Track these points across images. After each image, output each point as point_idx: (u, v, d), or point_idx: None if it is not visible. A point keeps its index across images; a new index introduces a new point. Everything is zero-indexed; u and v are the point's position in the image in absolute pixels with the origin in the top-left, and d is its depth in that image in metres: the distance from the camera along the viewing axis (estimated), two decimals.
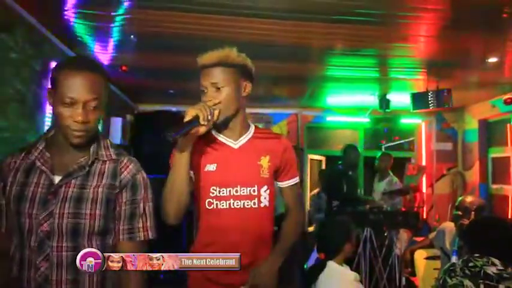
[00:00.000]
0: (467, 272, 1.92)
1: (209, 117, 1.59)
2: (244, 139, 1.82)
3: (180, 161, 1.62)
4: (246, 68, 1.80)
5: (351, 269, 4.52)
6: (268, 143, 1.85)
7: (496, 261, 1.91)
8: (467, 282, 1.88)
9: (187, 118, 1.55)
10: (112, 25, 3.61)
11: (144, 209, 1.53)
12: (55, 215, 1.43)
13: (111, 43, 4.09)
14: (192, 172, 1.73)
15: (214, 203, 1.75)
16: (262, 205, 1.79)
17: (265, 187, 1.80)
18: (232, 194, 1.75)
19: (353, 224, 2.67)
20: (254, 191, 1.77)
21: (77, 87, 1.40)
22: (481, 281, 1.86)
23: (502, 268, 1.88)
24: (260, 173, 1.80)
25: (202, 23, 3.48)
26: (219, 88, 1.71)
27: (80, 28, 3.71)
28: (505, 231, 2.05)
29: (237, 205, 1.75)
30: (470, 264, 1.94)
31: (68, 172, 1.48)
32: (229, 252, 1.67)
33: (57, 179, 1.48)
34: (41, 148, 1.52)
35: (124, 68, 4.49)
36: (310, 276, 2.43)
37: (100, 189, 1.47)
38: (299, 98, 6.40)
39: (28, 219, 1.44)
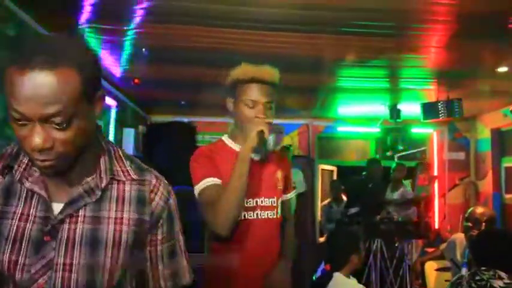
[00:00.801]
0: (473, 285, 1.92)
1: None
2: (263, 151, 1.87)
3: (243, 166, 1.67)
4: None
5: (361, 280, 4.58)
6: (278, 159, 1.93)
7: (503, 275, 1.91)
8: None
9: (253, 133, 1.68)
10: (124, 39, 3.67)
11: (183, 245, 1.15)
12: (56, 267, 0.95)
13: (124, 56, 4.18)
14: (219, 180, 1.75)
15: (243, 213, 1.76)
16: (278, 215, 1.86)
17: (280, 199, 1.89)
18: (258, 204, 1.80)
19: (361, 236, 2.67)
20: (274, 202, 1.84)
21: (27, 97, 0.85)
22: None
23: (508, 282, 1.89)
24: (277, 185, 1.88)
25: (213, 36, 3.53)
26: (271, 106, 1.78)
27: (93, 42, 3.78)
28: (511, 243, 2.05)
29: (263, 216, 1.80)
30: (477, 277, 1.94)
31: (72, 198, 0.98)
32: (258, 260, 1.77)
33: (56, 208, 0.98)
34: (26, 161, 1.01)
35: (136, 80, 4.56)
36: (316, 287, 2.44)
37: (123, 226, 1.01)
38: (310, 109, 6.42)
39: (12, 271, 0.95)
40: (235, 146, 1.84)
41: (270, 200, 1.83)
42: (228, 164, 1.75)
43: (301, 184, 5.39)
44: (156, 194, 1.08)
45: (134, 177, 1.07)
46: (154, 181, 1.09)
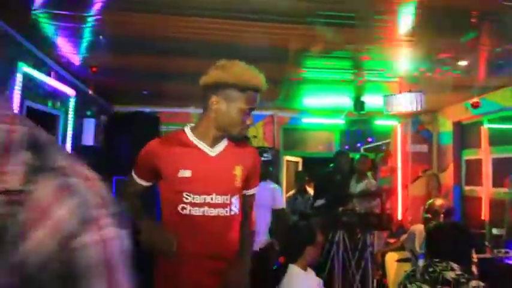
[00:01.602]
0: (426, 277, 1.92)
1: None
2: (220, 147, 1.82)
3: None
4: None
5: (324, 271, 4.59)
6: (240, 153, 1.87)
7: (455, 266, 1.91)
8: (426, 287, 1.88)
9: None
10: (83, 26, 3.53)
11: None
12: None
13: (83, 44, 4.03)
14: (164, 174, 1.76)
15: (188, 208, 1.73)
16: (232, 213, 1.80)
17: (237, 196, 1.83)
18: (207, 201, 1.74)
19: (323, 227, 2.65)
20: (227, 199, 1.78)
21: None
22: (440, 286, 1.86)
23: (460, 273, 1.89)
24: (234, 182, 1.82)
25: (176, 25, 3.45)
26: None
27: (48, 29, 3.63)
28: (464, 235, 2.06)
29: (211, 213, 1.75)
30: (430, 269, 1.94)
31: None
32: (200, 255, 1.72)
33: None
34: None
35: (94, 69, 4.41)
36: (273, 278, 2.41)
37: None
38: (275, 100, 6.38)
39: None
40: (195, 139, 1.80)
41: (223, 197, 1.77)
42: (180, 159, 1.74)
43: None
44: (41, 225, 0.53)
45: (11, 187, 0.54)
46: (49, 191, 0.55)
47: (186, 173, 1.74)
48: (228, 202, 1.78)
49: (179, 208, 1.74)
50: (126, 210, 1.70)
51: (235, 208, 1.82)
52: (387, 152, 7.22)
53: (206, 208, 1.74)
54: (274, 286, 2.39)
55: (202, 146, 1.79)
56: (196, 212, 1.74)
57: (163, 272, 1.79)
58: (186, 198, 1.73)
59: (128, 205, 1.81)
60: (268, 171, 4.62)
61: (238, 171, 1.83)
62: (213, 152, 1.79)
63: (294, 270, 2.39)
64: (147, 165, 1.80)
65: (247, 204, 1.95)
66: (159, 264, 1.81)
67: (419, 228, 3.74)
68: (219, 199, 1.76)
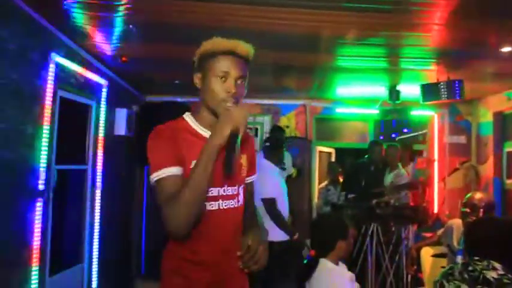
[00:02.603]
0: (465, 276, 1.80)
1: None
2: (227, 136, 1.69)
3: (210, 159, 1.50)
4: None
5: (357, 266, 4.49)
6: (244, 141, 1.76)
7: (497, 265, 1.79)
8: (465, 287, 1.76)
9: (226, 130, 1.50)
10: (114, 15, 3.53)
11: None
12: None
13: (114, 34, 4.03)
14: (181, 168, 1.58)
15: (204, 203, 1.62)
16: (239, 204, 1.74)
17: (242, 186, 1.76)
18: (220, 194, 1.66)
19: (355, 220, 2.57)
20: (235, 190, 1.71)
21: None
22: (480, 286, 1.74)
23: (503, 273, 1.76)
24: (242, 172, 1.75)
25: (207, 12, 3.39)
26: (242, 82, 1.65)
27: (81, 18, 3.64)
28: (508, 232, 1.92)
29: (225, 205, 1.67)
30: (470, 268, 1.82)
31: None
32: (217, 253, 1.65)
33: None
34: None
35: (124, 58, 4.41)
36: (302, 273, 2.34)
37: None
38: (308, 89, 6.27)
39: None
40: (200, 129, 1.68)
41: (232, 188, 1.69)
42: (190, 149, 1.60)
43: (290, 168, 5.26)
44: None
45: None
46: None
47: None
48: (236, 193, 1.71)
49: None
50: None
51: (241, 199, 1.75)
52: (424, 142, 7.00)
53: (220, 201, 1.66)
54: (304, 281, 2.32)
55: (208, 135, 1.64)
56: (213, 206, 1.65)
57: (171, 268, 1.71)
58: None
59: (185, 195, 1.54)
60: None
61: (244, 160, 1.77)
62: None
63: (325, 264, 2.31)
64: (172, 145, 1.60)
65: (250, 192, 1.87)
66: (167, 263, 1.74)
67: (457, 222, 3.59)
68: (229, 190, 1.68)
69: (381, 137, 6.72)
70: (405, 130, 6.68)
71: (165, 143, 1.58)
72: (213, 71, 1.62)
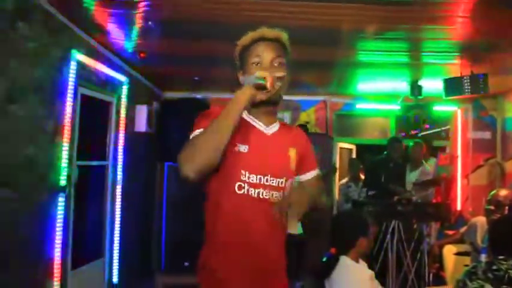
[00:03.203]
0: (489, 275, 1.75)
1: (274, 85, 1.59)
2: (275, 127, 1.73)
3: (233, 108, 1.53)
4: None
5: (377, 263, 4.43)
6: (293, 135, 1.78)
7: None
8: (488, 286, 1.72)
9: (257, 76, 1.57)
10: (133, 12, 3.54)
11: None
12: None
13: (133, 30, 4.05)
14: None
15: (246, 187, 1.61)
16: None
17: (290, 181, 1.71)
18: (262, 182, 1.63)
19: (376, 217, 2.53)
20: (282, 183, 1.67)
21: None
22: (505, 286, 1.69)
23: None
24: (289, 165, 1.72)
25: (225, 7, 3.38)
26: (281, 64, 1.67)
27: (101, 15, 3.67)
28: None
29: (266, 195, 1.63)
30: (494, 267, 1.77)
31: None
32: (253, 243, 1.62)
33: None
34: None
35: (142, 54, 4.43)
36: (322, 271, 2.30)
37: None
38: (328, 85, 6.20)
39: None
40: (248, 117, 1.70)
41: (278, 180, 1.65)
42: (242, 133, 1.63)
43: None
44: None
45: None
46: None
47: (243, 148, 1.63)
48: (282, 186, 1.67)
49: (236, 187, 1.61)
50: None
51: (287, 193, 1.69)
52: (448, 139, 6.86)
53: (261, 190, 1.62)
54: (323, 278, 2.29)
55: (257, 124, 1.70)
56: (251, 193, 1.62)
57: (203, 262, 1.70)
58: (243, 176, 1.61)
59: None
60: None
61: (292, 153, 1.73)
62: (268, 130, 1.70)
63: (345, 262, 2.28)
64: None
65: (313, 187, 1.81)
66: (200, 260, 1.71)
67: (481, 220, 3.51)
68: (273, 181, 1.64)
69: (403, 134, 6.60)
70: (427, 126, 6.54)
71: (211, 117, 1.60)
72: (249, 61, 1.67)
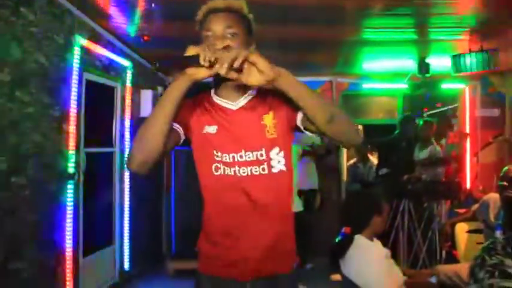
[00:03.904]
0: (509, 250, 1.71)
1: (212, 60, 1.34)
2: (243, 101, 1.62)
3: (168, 95, 1.44)
4: (251, 26, 1.62)
5: (388, 243, 4.42)
6: (269, 97, 1.61)
7: None
8: (509, 261, 1.67)
9: (187, 54, 1.39)
10: None
11: None
12: None
13: (136, 14, 3.99)
14: (192, 129, 1.58)
15: (222, 167, 1.57)
16: (275, 170, 1.58)
17: (277, 149, 1.58)
18: (237, 160, 1.56)
19: (386, 196, 2.50)
20: (262, 155, 1.56)
21: None
22: None
23: None
24: (265, 133, 1.58)
25: None
26: (234, 34, 1.52)
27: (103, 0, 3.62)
28: None
29: (243, 172, 1.55)
30: None
31: None
32: (239, 226, 1.56)
33: None
34: None
35: (146, 37, 4.38)
36: (336, 251, 2.28)
37: None
38: (333, 65, 6.12)
39: None
40: (216, 98, 1.62)
41: (255, 153, 1.56)
42: (205, 115, 1.59)
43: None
44: None
45: None
46: None
47: (211, 129, 1.58)
48: (263, 159, 1.56)
49: (213, 168, 1.58)
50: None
51: (280, 164, 1.58)
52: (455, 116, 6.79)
53: (237, 167, 1.55)
54: (338, 258, 2.27)
55: (223, 102, 1.61)
56: (229, 172, 1.56)
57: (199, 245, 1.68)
58: (217, 157, 1.57)
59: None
60: None
61: (268, 120, 1.59)
62: (234, 106, 1.60)
63: (361, 241, 2.25)
64: (182, 112, 1.55)
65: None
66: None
67: (493, 197, 3.48)
68: (250, 156, 1.55)
69: (418, 112, 6.52)
70: (436, 104, 6.46)
71: (180, 110, 1.52)
72: (202, 36, 1.56)
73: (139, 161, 1.45)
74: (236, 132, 1.58)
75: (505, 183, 3.23)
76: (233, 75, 1.36)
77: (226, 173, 1.57)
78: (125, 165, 1.50)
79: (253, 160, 1.56)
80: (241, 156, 1.56)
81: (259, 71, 1.35)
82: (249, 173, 1.56)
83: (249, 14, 1.61)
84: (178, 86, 1.44)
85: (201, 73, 1.40)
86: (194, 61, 1.37)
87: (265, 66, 1.34)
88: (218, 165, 1.58)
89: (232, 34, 1.52)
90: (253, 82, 1.37)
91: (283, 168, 1.59)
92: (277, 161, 1.59)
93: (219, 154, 1.57)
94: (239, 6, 1.58)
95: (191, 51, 1.38)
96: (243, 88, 1.60)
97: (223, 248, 1.60)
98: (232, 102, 1.61)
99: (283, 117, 1.59)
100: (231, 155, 1.56)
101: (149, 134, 1.44)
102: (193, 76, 1.41)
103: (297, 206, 4.48)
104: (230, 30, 1.52)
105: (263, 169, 1.57)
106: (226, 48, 1.46)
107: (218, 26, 1.53)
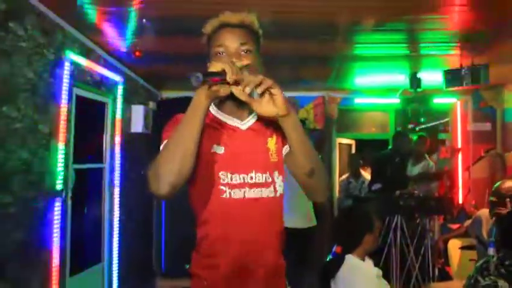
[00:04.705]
0: (502, 271, 1.69)
1: (237, 77, 1.34)
2: (251, 120, 1.59)
3: (194, 113, 1.36)
4: (260, 43, 1.59)
5: (381, 259, 4.37)
6: (272, 121, 1.55)
7: None
8: (502, 283, 1.66)
9: (212, 69, 1.33)
10: (127, 9, 3.47)
11: None
12: None
13: (128, 29, 3.97)
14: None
15: (227, 190, 1.50)
16: (278, 194, 1.56)
17: (277, 172, 1.57)
18: (247, 181, 1.50)
19: (378, 212, 2.47)
20: (268, 178, 1.54)
21: None
22: None
23: None
24: (269, 157, 1.57)
25: (220, 2, 3.30)
26: (248, 51, 1.50)
27: (94, 14, 3.60)
28: None
29: (253, 194, 1.50)
30: (507, 262, 1.71)
31: None
32: (248, 248, 1.50)
33: None
34: None
35: (138, 53, 4.36)
36: (327, 271, 2.24)
37: None
38: (325, 79, 6.13)
39: None
40: (222, 116, 1.57)
41: (263, 175, 1.53)
42: (211, 135, 1.51)
43: None
44: None
45: None
46: None
47: (219, 150, 1.51)
48: (270, 181, 1.54)
49: (217, 190, 1.50)
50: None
51: (280, 188, 1.57)
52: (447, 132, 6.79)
53: (247, 189, 1.50)
54: (329, 279, 2.23)
55: (232, 120, 1.56)
56: (237, 194, 1.50)
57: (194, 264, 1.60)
58: (223, 179, 1.50)
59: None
60: None
61: (271, 143, 1.57)
62: (243, 125, 1.57)
63: (351, 261, 2.21)
64: None
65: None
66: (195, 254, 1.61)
67: (486, 213, 3.46)
68: (259, 178, 1.52)
69: (412, 125, 6.53)
70: (427, 119, 6.47)
71: (176, 125, 1.47)
72: (213, 51, 1.51)
73: (171, 184, 1.37)
74: (245, 153, 1.53)
75: (495, 198, 3.21)
76: (248, 98, 1.37)
77: (232, 196, 1.51)
78: (151, 190, 1.40)
79: (262, 182, 1.53)
80: (251, 178, 1.52)
81: (274, 104, 1.37)
82: (259, 195, 1.52)
83: (259, 29, 1.58)
84: (202, 104, 1.38)
85: (224, 90, 1.36)
86: (189, 79, 1.32)
87: (282, 103, 1.37)
88: (223, 188, 1.51)
89: (246, 51, 1.50)
90: (264, 112, 1.39)
91: (282, 192, 1.59)
92: (279, 184, 1.57)
93: (228, 175, 1.51)
94: (251, 21, 1.55)
95: (216, 66, 1.34)
96: (246, 107, 1.56)
97: (223, 272, 1.52)
98: (241, 122, 1.57)
99: (281, 143, 1.60)
100: (241, 176, 1.51)
101: (179, 155, 1.37)
102: (217, 93, 1.37)
103: (312, 220, 4.42)
104: (245, 47, 1.50)
105: (270, 191, 1.54)
106: (247, 67, 1.45)
107: (232, 43, 1.49)
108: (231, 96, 1.44)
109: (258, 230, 1.52)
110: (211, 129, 1.53)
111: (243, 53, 1.49)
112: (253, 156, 1.54)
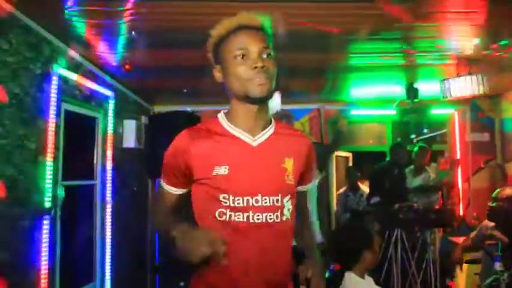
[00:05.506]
0: None
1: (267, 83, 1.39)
2: (265, 135, 1.46)
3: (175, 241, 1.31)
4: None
5: (381, 275, 4.25)
6: (291, 142, 1.49)
7: None
8: None
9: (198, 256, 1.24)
10: (117, 22, 3.40)
11: None
12: None
13: (118, 42, 3.89)
14: (196, 175, 1.43)
15: (228, 214, 1.38)
16: (284, 218, 1.44)
17: (289, 196, 1.45)
18: (251, 204, 1.38)
19: (373, 228, 2.37)
20: (278, 201, 1.42)
21: None
22: None
23: None
24: (285, 178, 1.45)
25: (212, 13, 3.22)
26: (269, 55, 1.41)
27: (83, 27, 3.52)
28: None
29: (258, 219, 1.38)
30: None
31: None
32: (249, 274, 1.39)
33: None
34: None
35: (127, 67, 4.27)
36: None
37: None
38: (320, 91, 6.05)
39: None
40: (231, 128, 1.46)
41: (272, 198, 1.40)
42: (216, 152, 1.41)
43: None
44: None
45: None
46: None
47: (222, 170, 1.39)
48: (279, 205, 1.41)
49: (217, 215, 1.39)
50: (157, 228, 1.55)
51: (288, 213, 1.45)
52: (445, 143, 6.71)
53: (251, 213, 1.38)
54: None
55: (242, 134, 1.44)
56: (239, 218, 1.39)
57: None
58: (225, 202, 1.38)
59: (160, 222, 1.55)
60: None
61: (289, 164, 1.45)
62: (255, 141, 1.44)
63: (351, 278, 2.10)
64: (177, 166, 1.45)
65: (306, 200, 1.64)
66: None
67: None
68: (266, 201, 1.39)
69: (399, 139, 6.47)
70: (425, 130, 6.40)
71: (173, 160, 1.47)
72: (229, 53, 1.41)
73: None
74: (253, 173, 1.41)
75: (493, 205, 3.13)
76: None
77: (233, 219, 1.39)
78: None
79: (269, 206, 1.41)
80: (256, 201, 1.40)
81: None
82: (264, 220, 1.40)
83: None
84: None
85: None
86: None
87: None
88: (224, 210, 1.40)
89: (268, 55, 1.42)
90: None
91: (289, 216, 1.47)
92: (288, 208, 1.45)
93: (230, 198, 1.39)
94: (269, 24, 1.49)
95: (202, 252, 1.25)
96: (264, 117, 1.48)
97: None
98: (251, 136, 1.45)
99: (301, 169, 1.52)
100: (245, 199, 1.39)
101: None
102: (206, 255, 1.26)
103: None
104: (267, 50, 1.42)
105: (277, 216, 1.42)
106: (269, 73, 1.41)
107: (255, 46, 1.41)
108: (243, 108, 1.40)
109: (262, 256, 1.41)
110: (217, 146, 1.43)
111: (264, 56, 1.41)
112: (262, 176, 1.42)
